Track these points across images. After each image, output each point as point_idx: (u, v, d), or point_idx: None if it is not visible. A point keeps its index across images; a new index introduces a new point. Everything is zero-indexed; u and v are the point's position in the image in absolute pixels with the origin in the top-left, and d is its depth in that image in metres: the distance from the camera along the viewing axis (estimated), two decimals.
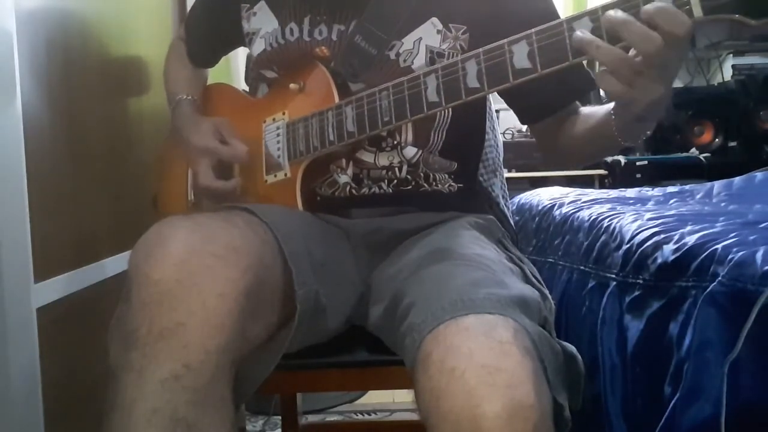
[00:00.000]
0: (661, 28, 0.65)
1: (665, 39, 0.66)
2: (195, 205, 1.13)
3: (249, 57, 1.38)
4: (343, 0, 0.98)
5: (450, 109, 0.99)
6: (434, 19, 0.97)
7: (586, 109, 0.99)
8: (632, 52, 0.68)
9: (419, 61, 0.97)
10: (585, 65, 0.90)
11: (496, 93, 0.86)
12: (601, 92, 2.50)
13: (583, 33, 0.69)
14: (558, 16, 0.80)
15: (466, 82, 0.81)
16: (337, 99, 0.95)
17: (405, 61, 0.97)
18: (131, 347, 0.69)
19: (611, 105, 0.83)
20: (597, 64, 0.71)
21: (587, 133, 0.92)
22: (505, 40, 0.77)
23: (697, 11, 0.66)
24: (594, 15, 0.71)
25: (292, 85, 1.00)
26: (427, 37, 0.97)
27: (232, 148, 1.01)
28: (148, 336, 0.69)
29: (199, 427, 0.68)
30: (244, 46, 1.14)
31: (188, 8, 1.58)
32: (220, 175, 1.03)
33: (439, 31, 0.97)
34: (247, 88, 1.28)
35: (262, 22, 1.05)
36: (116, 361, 0.70)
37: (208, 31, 1.19)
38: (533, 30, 0.75)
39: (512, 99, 1.03)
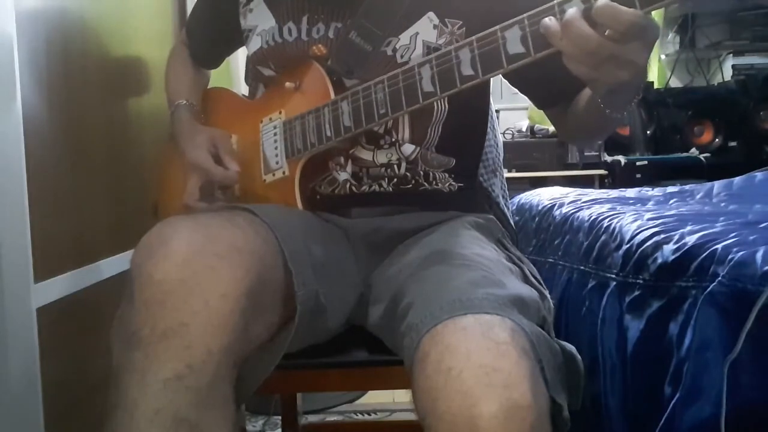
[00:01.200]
0: (607, 26, 0.68)
1: (613, 35, 0.68)
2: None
3: (248, 58, 1.38)
4: None
5: (446, 104, 0.99)
6: (431, 14, 0.97)
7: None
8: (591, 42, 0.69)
9: (417, 56, 0.97)
10: None
11: (499, 90, 0.86)
12: None
13: (550, 21, 0.71)
14: None
15: (461, 70, 0.81)
16: (333, 96, 0.95)
17: (402, 56, 0.97)
18: (134, 347, 0.69)
19: None
20: None
21: (584, 107, 0.93)
22: (498, 27, 0.77)
23: None
24: None
25: (287, 84, 1.00)
26: (423, 33, 0.97)
27: (224, 170, 1.01)
28: (151, 336, 0.69)
29: (202, 428, 0.68)
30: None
31: (188, 8, 1.59)
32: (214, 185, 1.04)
33: (435, 26, 0.97)
34: (247, 89, 1.28)
35: (259, 19, 1.05)
36: (119, 361, 0.70)
37: (210, 31, 1.19)
38: (525, 15, 0.75)
39: (527, 87, 1.03)
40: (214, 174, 1.01)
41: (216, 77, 1.30)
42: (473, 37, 0.79)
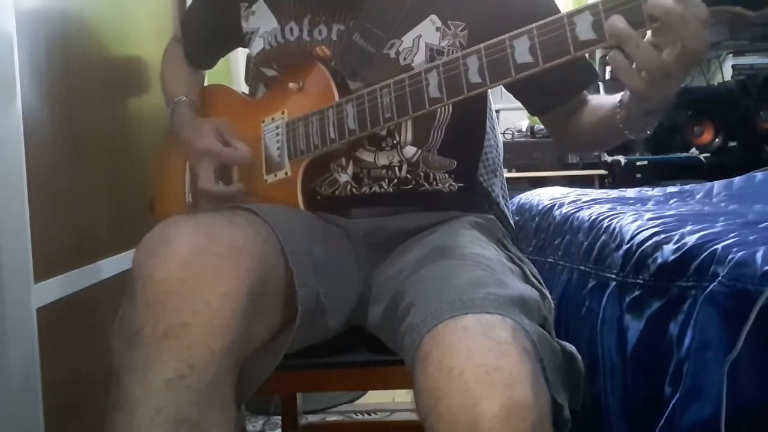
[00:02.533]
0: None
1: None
2: (193, 207, 1.13)
3: (249, 57, 1.38)
4: None
5: (450, 107, 0.99)
6: (433, 17, 0.97)
7: (594, 99, 1.00)
8: (667, 51, 0.68)
9: (419, 58, 0.97)
10: (587, 57, 0.90)
11: (499, 90, 0.87)
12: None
13: (621, 23, 0.68)
14: (558, 12, 0.81)
15: (468, 78, 0.81)
16: (336, 98, 0.95)
17: (405, 59, 0.97)
18: (135, 347, 0.69)
19: (617, 97, 0.85)
20: (597, 57, 0.72)
21: (593, 124, 0.94)
22: (506, 36, 0.78)
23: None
24: (594, 9, 0.71)
25: (291, 85, 1.00)
26: (426, 35, 0.97)
27: (234, 150, 1.01)
28: (152, 336, 0.69)
29: (203, 428, 0.68)
30: (243, 46, 1.13)
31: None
32: (220, 177, 1.03)
33: (438, 29, 0.97)
34: (246, 89, 1.28)
35: (261, 22, 1.05)
36: (120, 360, 0.70)
37: (206, 32, 1.18)
38: (534, 25, 0.76)
39: (519, 92, 1.03)
40: (225, 155, 1.00)
41: (216, 76, 1.30)
42: (481, 45, 0.80)
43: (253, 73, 1.12)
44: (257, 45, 1.05)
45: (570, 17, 0.73)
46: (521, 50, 0.77)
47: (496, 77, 0.80)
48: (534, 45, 0.76)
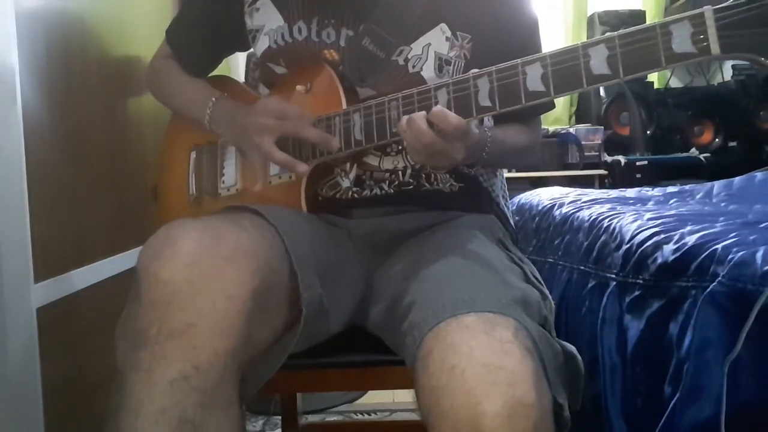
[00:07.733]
0: (436, 126, 0.79)
1: (441, 133, 0.79)
2: (196, 199, 1.13)
3: (249, 57, 1.37)
4: (351, 2, 0.98)
5: None
6: (443, 25, 0.97)
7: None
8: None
9: (428, 67, 0.97)
10: None
11: None
12: None
13: (402, 119, 0.83)
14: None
15: (478, 100, 0.80)
16: (344, 103, 0.94)
17: (414, 66, 0.97)
18: (140, 346, 0.69)
19: None
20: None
21: None
22: (519, 60, 0.77)
23: (715, 49, 0.68)
24: (611, 43, 0.71)
25: (298, 87, 0.99)
26: (435, 43, 0.97)
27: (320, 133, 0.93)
28: (158, 335, 0.69)
29: (206, 429, 0.68)
30: (243, 50, 1.12)
31: None
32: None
33: (447, 38, 0.97)
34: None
35: (266, 19, 1.03)
36: (124, 360, 0.70)
37: (206, 35, 1.13)
38: (548, 52, 0.75)
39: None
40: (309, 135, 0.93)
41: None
42: (493, 68, 0.79)
43: (257, 72, 1.11)
44: (262, 43, 1.03)
45: (585, 49, 0.73)
46: (533, 77, 0.76)
47: (506, 102, 0.79)
48: (547, 74, 0.75)
